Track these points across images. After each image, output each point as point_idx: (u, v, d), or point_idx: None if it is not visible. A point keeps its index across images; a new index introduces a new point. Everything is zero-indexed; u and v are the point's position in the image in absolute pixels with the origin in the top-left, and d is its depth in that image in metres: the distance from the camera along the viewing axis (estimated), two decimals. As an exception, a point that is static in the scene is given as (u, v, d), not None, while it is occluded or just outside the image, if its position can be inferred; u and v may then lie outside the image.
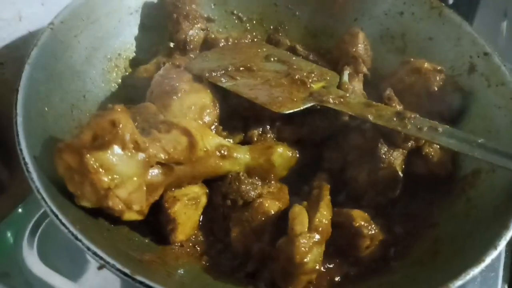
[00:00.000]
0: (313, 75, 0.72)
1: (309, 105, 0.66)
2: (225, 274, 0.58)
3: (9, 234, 0.77)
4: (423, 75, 0.76)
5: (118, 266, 0.42)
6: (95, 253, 0.43)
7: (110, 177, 0.50)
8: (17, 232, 0.76)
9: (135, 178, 0.52)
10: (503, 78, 0.70)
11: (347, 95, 0.69)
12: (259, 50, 0.80)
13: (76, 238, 0.44)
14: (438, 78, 0.75)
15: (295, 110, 0.65)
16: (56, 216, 0.45)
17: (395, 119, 0.64)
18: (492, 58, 0.73)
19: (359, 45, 0.80)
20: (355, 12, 0.89)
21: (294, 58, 0.79)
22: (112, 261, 0.43)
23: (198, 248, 0.61)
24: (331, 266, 0.58)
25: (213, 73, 0.69)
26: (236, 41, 0.83)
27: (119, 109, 0.52)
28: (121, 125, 0.50)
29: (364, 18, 0.89)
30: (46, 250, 0.73)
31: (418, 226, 0.64)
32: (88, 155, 0.48)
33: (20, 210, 0.80)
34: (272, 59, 0.77)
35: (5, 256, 0.73)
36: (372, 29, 0.87)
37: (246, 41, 0.85)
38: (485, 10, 1.35)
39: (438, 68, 0.76)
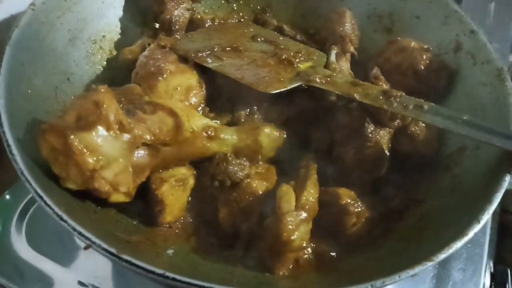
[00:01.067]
0: (300, 55, 0.72)
1: (296, 84, 0.66)
2: (213, 254, 0.59)
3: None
4: (410, 54, 0.76)
5: (104, 245, 0.42)
6: (80, 233, 0.43)
7: (95, 158, 0.49)
8: (5, 218, 0.76)
9: (120, 160, 0.52)
10: (489, 56, 0.70)
11: (334, 74, 0.69)
12: (245, 31, 0.79)
13: (62, 219, 0.44)
14: (424, 57, 0.75)
15: (282, 89, 0.65)
16: (41, 197, 0.45)
17: (381, 97, 0.64)
18: (478, 35, 0.73)
19: (346, 24, 0.80)
20: (342, -9, 0.89)
21: (281, 38, 0.79)
22: (98, 241, 0.43)
23: (187, 229, 0.61)
24: (318, 243, 0.58)
25: (199, 54, 0.68)
26: (222, 21, 0.82)
27: (102, 90, 0.51)
28: (104, 106, 0.50)
29: (351, -3, 0.88)
30: (35, 236, 0.73)
31: (404, 203, 0.65)
32: (72, 136, 0.48)
33: (7, 196, 0.79)
34: (259, 39, 0.76)
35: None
36: (359, 8, 0.86)
37: (232, 21, 0.84)
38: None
39: (425, 47, 0.76)
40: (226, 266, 0.56)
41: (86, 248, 0.44)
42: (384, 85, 0.69)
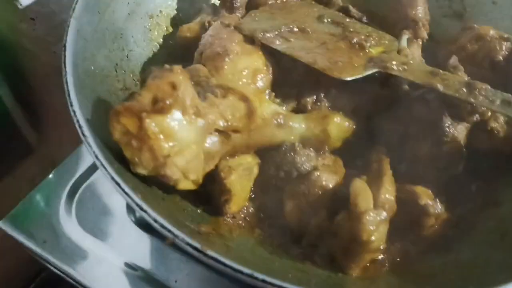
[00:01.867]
0: (371, 38, 0.67)
1: (371, 71, 0.62)
2: (280, 249, 0.56)
3: (42, 202, 0.75)
4: (487, 43, 0.70)
5: (188, 240, 0.40)
6: (162, 226, 0.40)
7: (170, 143, 0.46)
8: (52, 198, 0.74)
9: (193, 146, 0.49)
10: None
11: (411, 62, 0.64)
12: (310, 10, 0.74)
13: (141, 208, 0.41)
14: (504, 47, 0.69)
15: (357, 76, 0.61)
16: (119, 184, 0.42)
17: (464, 89, 0.59)
18: None
19: (419, 7, 0.74)
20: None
21: (347, 20, 0.74)
22: (181, 235, 0.40)
23: (250, 221, 0.58)
24: (393, 244, 0.55)
25: (267, 34, 0.64)
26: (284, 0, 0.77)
27: (178, 71, 0.48)
28: (181, 88, 0.47)
29: (420, -23, 0.82)
30: (85, 216, 0.72)
31: (481, 204, 0.60)
32: (148, 120, 0.45)
33: (51, 176, 0.78)
34: (325, 20, 0.71)
35: (41, 223, 0.71)
36: (428, -10, 0.80)
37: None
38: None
39: (505, 36, 0.70)
40: (295, 262, 0.53)
41: (169, 242, 0.41)
42: (464, 75, 0.64)
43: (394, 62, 0.62)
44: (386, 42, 0.69)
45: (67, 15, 0.83)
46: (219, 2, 0.74)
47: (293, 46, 0.63)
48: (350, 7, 0.78)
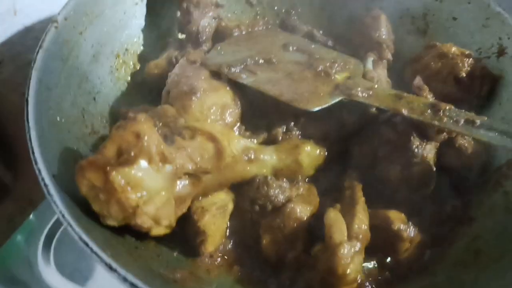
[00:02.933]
0: (336, 64, 0.68)
1: (337, 99, 0.63)
2: (259, 284, 0.55)
3: (22, 243, 0.74)
4: (450, 60, 0.72)
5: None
6: (133, 284, 0.40)
7: (138, 194, 0.46)
8: (31, 241, 0.73)
9: (163, 193, 0.49)
10: (538, 61, 0.66)
11: (375, 86, 0.65)
12: (275, 39, 0.75)
13: (111, 268, 0.41)
14: (466, 63, 0.71)
15: (324, 106, 0.62)
16: (86, 244, 0.42)
17: (429, 111, 0.60)
18: (524, 40, 0.69)
19: (382, 29, 0.76)
20: (373, -9, 0.84)
21: (313, 46, 0.75)
22: (153, 292, 0.40)
23: (228, 258, 0.58)
24: (369, 271, 0.55)
25: (232, 69, 0.64)
26: (249, 29, 0.78)
27: (142, 119, 0.47)
28: (146, 137, 0.47)
29: (382, -3, 0.84)
30: (63, 260, 0.71)
31: (454, 222, 0.61)
32: (114, 173, 0.44)
33: (31, 217, 0.77)
34: (291, 48, 0.72)
35: (20, 265, 0.70)
36: (390, 9, 0.81)
37: (259, 28, 0.80)
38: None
39: (467, 53, 0.72)
40: (274, 298, 0.53)
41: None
42: (428, 96, 0.65)
43: (359, 89, 0.63)
44: (351, 66, 0.70)
45: (33, 55, 0.82)
46: (184, 36, 0.74)
47: (260, 79, 0.64)
48: (315, 32, 0.79)
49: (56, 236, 0.74)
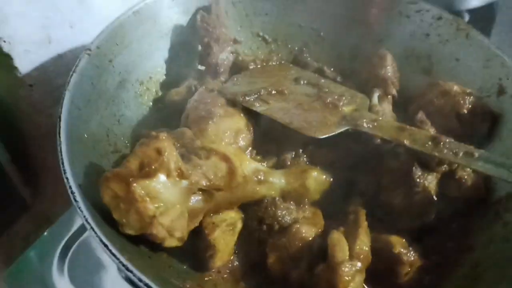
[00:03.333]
0: (343, 98, 0.73)
1: (343, 129, 0.67)
2: (264, 301, 0.58)
3: (35, 259, 0.77)
4: (452, 98, 0.76)
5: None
6: (147, 285, 0.43)
7: (156, 205, 0.50)
8: (45, 257, 0.76)
9: (178, 206, 0.52)
10: (535, 101, 0.70)
11: (380, 118, 0.69)
12: (287, 73, 0.81)
13: (127, 269, 0.44)
14: (467, 101, 0.75)
15: (330, 134, 0.66)
16: (106, 246, 0.45)
17: (430, 143, 0.64)
18: (522, 80, 0.73)
19: (388, 67, 0.81)
20: (380, 32, 0.90)
21: (322, 80, 0.80)
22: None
23: (234, 274, 0.61)
24: (370, 292, 0.57)
25: (247, 98, 0.70)
26: (264, 63, 0.84)
27: (163, 137, 0.52)
28: (166, 153, 0.51)
29: (389, 39, 0.89)
30: (77, 274, 0.74)
31: (454, 250, 0.64)
32: (135, 184, 0.49)
33: (46, 233, 0.80)
34: (302, 82, 0.77)
35: (32, 281, 0.73)
36: (397, 49, 0.87)
37: (273, 63, 0.86)
38: (500, 28, 1.36)
39: (468, 91, 0.76)
40: (278, 314, 0.56)
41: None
42: (430, 129, 0.69)
43: (364, 120, 0.67)
44: (358, 100, 0.74)
45: (64, 80, 0.89)
46: (204, 68, 0.80)
47: (272, 108, 0.69)
48: (325, 68, 0.84)
49: (71, 251, 0.77)
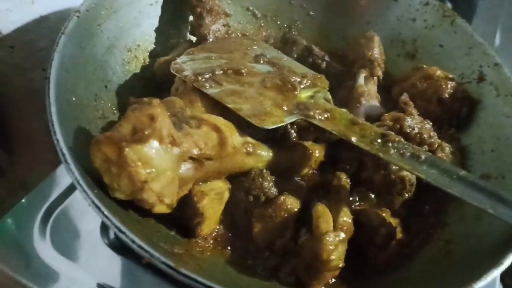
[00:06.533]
0: (304, 80, 0.70)
1: (293, 119, 0.65)
2: (248, 268, 0.60)
3: (14, 226, 0.76)
4: (435, 82, 0.79)
5: (163, 259, 0.43)
6: (139, 246, 0.44)
7: (147, 170, 0.50)
8: (25, 223, 0.75)
9: (169, 172, 0.53)
10: (513, 89, 0.73)
11: (334, 108, 0.67)
12: (249, 48, 0.76)
13: (120, 230, 0.45)
14: (449, 86, 0.78)
15: (278, 125, 0.64)
16: (99, 208, 0.46)
17: (379, 140, 0.62)
18: (502, 69, 0.76)
19: (375, 48, 0.82)
20: (368, 15, 0.92)
21: (285, 59, 0.76)
22: (157, 254, 0.44)
23: (220, 242, 0.62)
24: (350, 263, 0.60)
25: (199, 77, 0.65)
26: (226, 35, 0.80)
27: (156, 104, 0.52)
28: (159, 119, 0.51)
29: (376, 21, 0.91)
30: (59, 239, 0.73)
31: (431, 226, 0.67)
32: (128, 149, 0.49)
33: (24, 200, 0.79)
34: (261, 61, 0.73)
35: (14, 247, 0.72)
36: (383, 32, 0.89)
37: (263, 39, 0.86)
38: (480, 19, 1.40)
39: (450, 76, 0.79)
40: (262, 281, 0.58)
41: (145, 261, 0.45)
42: (413, 111, 0.71)
43: (317, 111, 0.66)
44: (319, 83, 0.72)
45: (45, 42, 0.86)
46: (195, 38, 0.79)
47: (224, 91, 0.65)
48: (313, 47, 0.85)
49: (53, 217, 0.76)
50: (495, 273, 0.50)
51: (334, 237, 0.55)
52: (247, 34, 0.87)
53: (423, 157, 0.60)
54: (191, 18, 0.81)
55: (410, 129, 0.68)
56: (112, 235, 0.68)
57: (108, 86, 0.70)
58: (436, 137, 0.70)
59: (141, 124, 0.50)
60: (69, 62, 0.62)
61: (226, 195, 0.63)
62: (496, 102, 0.75)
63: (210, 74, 0.67)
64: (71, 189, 0.75)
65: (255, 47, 0.77)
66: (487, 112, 0.76)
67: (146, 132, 0.50)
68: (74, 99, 0.60)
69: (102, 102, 0.68)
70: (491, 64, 0.78)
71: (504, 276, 0.80)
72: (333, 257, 0.54)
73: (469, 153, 0.74)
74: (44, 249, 0.72)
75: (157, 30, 0.81)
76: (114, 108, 0.70)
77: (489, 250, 0.55)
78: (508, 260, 0.51)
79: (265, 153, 0.65)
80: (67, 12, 0.70)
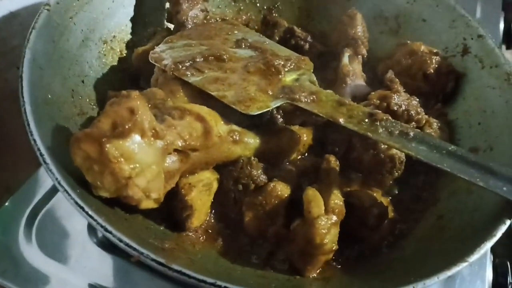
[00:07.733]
0: (289, 63, 0.69)
1: (280, 103, 0.64)
2: (241, 258, 0.59)
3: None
4: (419, 58, 0.78)
5: (153, 256, 0.42)
6: (127, 245, 0.43)
7: (131, 165, 0.48)
8: (9, 226, 0.73)
9: (153, 166, 0.51)
10: (497, 60, 0.73)
11: (320, 91, 0.65)
12: (230, 34, 0.74)
13: (106, 229, 0.43)
14: (434, 61, 0.77)
15: (264, 110, 0.63)
16: (82, 208, 0.44)
17: (366, 120, 0.61)
18: (485, 40, 0.76)
19: (358, 26, 0.81)
20: (349, -8, 0.90)
21: (267, 42, 0.74)
22: (146, 252, 0.42)
23: (211, 234, 0.61)
24: (343, 245, 0.60)
25: (179, 66, 0.63)
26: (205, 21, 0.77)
27: (135, 96, 0.50)
28: (139, 112, 0.49)
29: (358, -1, 0.89)
30: (45, 241, 0.71)
31: (422, 202, 0.67)
32: (109, 145, 0.47)
33: (7, 203, 0.76)
34: (243, 45, 0.71)
35: (0, 254, 0.70)
36: (365, 10, 0.87)
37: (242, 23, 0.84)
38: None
39: (434, 51, 0.78)
40: (256, 270, 0.57)
41: (134, 259, 0.43)
42: (399, 88, 0.71)
43: (303, 94, 0.64)
44: (303, 66, 0.70)
45: (18, 40, 0.83)
46: (172, 26, 0.77)
47: (206, 78, 0.64)
48: (295, 28, 0.83)
49: (38, 219, 0.74)
50: (488, 246, 0.50)
51: (327, 221, 0.54)
52: (227, 18, 0.85)
53: (411, 134, 0.59)
54: (167, 5, 0.78)
55: (397, 107, 0.67)
56: (100, 234, 0.67)
57: (85, 81, 0.68)
58: (424, 113, 0.69)
59: (120, 118, 0.49)
60: (42, 59, 0.59)
61: (215, 185, 0.62)
62: (481, 74, 0.74)
63: (190, 61, 0.65)
64: (55, 189, 0.72)
65: (235, 32, 0.75)
66: (472, 85, 0.75)
67: (126, 126, 0.48)
68: (50, 96, 0.58)
69: (80, 97, 0.65)
70: (474, 36, 0.77)
71: (495, 248, 0.82)
72: (326, 240, 0.53)
73: (457, 127, 0.74)
74: (31, 252, 0.70)
75: (132, 20, 0.78)
76: (92, 104, 0.67)
77: (481, 223, 0.55)
78: (500, 231, 0.51)
79: (252, 140, 0.64)
80: (38, 7, 0.67)
